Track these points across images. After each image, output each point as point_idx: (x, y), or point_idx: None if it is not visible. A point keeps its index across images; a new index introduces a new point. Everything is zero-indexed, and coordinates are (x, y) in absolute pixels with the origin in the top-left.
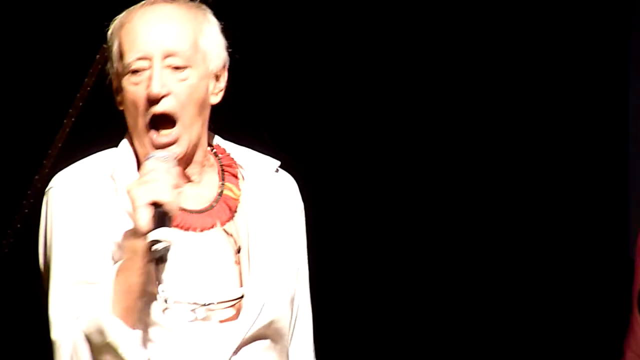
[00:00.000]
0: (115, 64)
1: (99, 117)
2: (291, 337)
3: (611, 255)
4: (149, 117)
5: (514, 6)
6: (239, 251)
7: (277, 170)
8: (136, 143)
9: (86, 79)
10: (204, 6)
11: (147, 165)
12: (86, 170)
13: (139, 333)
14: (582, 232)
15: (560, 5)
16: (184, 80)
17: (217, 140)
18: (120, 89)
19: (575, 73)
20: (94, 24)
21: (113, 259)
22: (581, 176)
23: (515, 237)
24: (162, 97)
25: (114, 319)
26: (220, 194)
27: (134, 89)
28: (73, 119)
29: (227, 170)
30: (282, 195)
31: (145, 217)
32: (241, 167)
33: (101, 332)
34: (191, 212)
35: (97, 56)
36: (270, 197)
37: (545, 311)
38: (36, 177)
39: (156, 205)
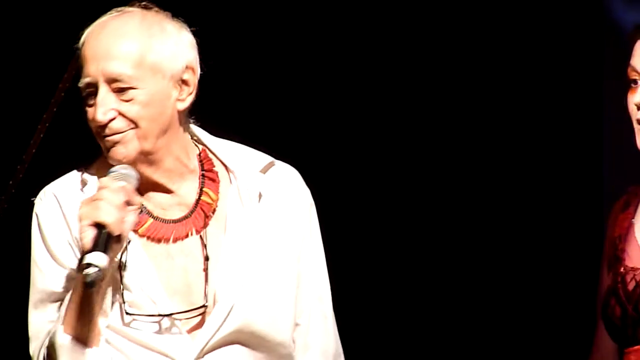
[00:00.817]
0: None
1: (73, 122)
2: (305, 345)
3: (587, 253)
4: (103, 139)
5: (491, 8)
6: (207, 259)
7: (273, 165)
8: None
9: (60, 84)
10: (161, 11)
11: (100, 182)
12: (72, 185)
13: (93, 350)
14: (557, 231)
15: (535, 6)
16: (129, 100)
17: (210, 141)
18: None
19: (550, 67)
20: (66, 28)
21: None
22: (556, 176)
23: (493, 234)
24: (109, 121)
25: (64, 336)
26: (198, 200)
27: (89, 111)
28: (47, 124)
29: (207, 175)
30: (279, 193)
31: (87, 238)
32: (229, 168)
33: (54, 349)
34: (167, 221)
35: (72, 60)
36: (264, 196)
37: (523, 308)
38: (10, 182)
39: (99, 226)
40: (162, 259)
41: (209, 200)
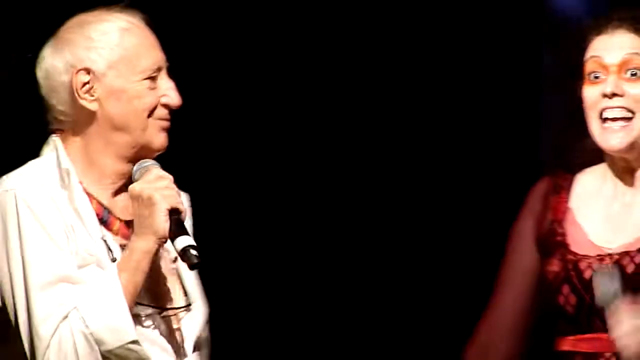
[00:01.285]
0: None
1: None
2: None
3: None
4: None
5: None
6: (174, 260)
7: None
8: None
9: None
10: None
11: (156, 171)
12: (39, 174)
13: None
14: (494, 227)
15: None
16: None
17: None
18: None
19: (487, 63)
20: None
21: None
22: (493, 168)
23: (429, 230)
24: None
25: (131, 319)
26: None
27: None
28: None
29: None
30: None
31: (166, 222)
32: None
33: (117, 332)
34: (128, 222)
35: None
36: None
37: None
38: None
39: (173, 211)
40: None
41: None
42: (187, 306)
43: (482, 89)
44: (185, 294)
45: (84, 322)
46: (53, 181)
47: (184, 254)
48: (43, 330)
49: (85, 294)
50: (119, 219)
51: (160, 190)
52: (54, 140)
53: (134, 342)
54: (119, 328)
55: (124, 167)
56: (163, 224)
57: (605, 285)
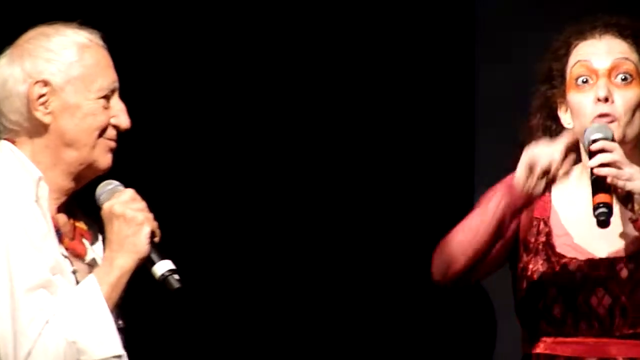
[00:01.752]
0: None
1: None
2: None
3: None
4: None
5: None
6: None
7: None
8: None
9: None
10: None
11: (130, 193)
12: (13, 181)
13: None
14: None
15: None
16: None
17: None
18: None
19: (420, 63)
20: None
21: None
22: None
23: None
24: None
25: (117, 333)
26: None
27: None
28: None
29: None
30: None
31: (146, 244)
32: None
33: (103, 344)
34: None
35: None
36: None
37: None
38: None
39: (152, 234)
40: (84, 274)
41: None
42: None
43: (415, 94)
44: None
45: (67, 329)
46: (27, 188)
47: (165, 279)
48: (29, 332)
49: (65, 302)
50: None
51: (142, 211)
52: (6, 145)
53: (119, 356)
54: (105, 340)
55: (68, 183)
56: (146, 244)
57: None
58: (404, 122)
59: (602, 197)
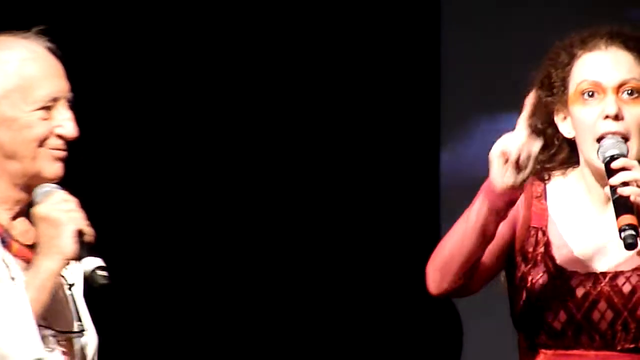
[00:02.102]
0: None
1: None
2: None
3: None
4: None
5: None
6: (70, 287)
7: None
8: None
9: None
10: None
11: (61, 194)
12: None
13: None
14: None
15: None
16: None
17: None
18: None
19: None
20: None
21: None
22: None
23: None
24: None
25: (38, 336)
26: None
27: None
28: None
29: None
30: None
31: (75, 244)
32: None
33: (24, 348)
34: (29, 245)
35: None
36: None
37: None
38: None
39: (79, 233)
40: None
41: None
42: (81, 332)
43: (383, 100)
44: (79, 319)
45: None
46: None
47: (92, 275)
48: None
49: None
50: (17, 241)
51: (68, 212)
52: None
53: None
54: (26, 344)
55: (18, 194)
56: (71, 245)
57: None
58: (370, 118)
59: (628, 219)
